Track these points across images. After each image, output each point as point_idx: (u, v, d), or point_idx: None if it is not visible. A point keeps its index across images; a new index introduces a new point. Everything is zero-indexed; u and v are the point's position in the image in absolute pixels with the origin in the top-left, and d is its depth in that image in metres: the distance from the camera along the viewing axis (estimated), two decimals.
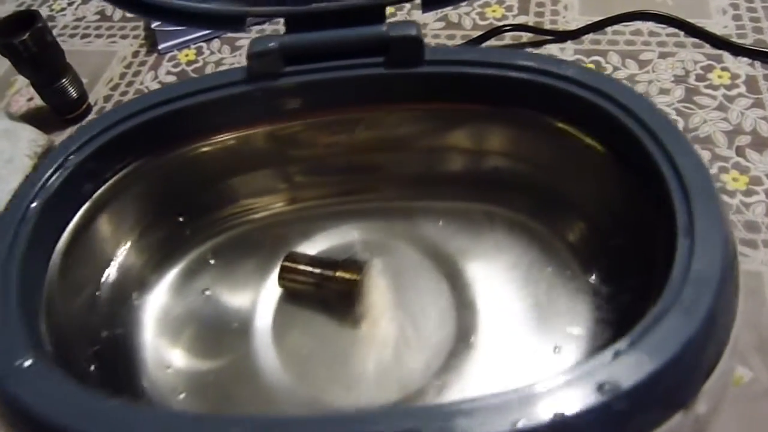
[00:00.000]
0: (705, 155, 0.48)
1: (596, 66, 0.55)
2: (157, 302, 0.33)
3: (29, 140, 0.54)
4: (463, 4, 0.54)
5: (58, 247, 0.28)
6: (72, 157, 0.29)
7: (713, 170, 0.47)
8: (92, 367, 0.28)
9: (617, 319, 0.29)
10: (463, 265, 0.34)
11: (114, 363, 0.29)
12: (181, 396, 0.31)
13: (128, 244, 0.32)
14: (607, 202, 0.30)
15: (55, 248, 0.28)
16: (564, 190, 0.32)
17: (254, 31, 0.59)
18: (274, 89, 0.31)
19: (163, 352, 0.32)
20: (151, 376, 0.30)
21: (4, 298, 0.24)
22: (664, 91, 0.52)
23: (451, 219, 0.35)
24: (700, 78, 0.53)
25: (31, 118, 0.57)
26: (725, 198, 0.45)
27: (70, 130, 0.57)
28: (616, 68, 0.54)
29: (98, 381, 0.28)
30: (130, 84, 0.61)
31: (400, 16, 0.56)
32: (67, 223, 0.29)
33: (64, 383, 0.21)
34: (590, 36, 0.57)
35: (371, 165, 0.35)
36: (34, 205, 0.28)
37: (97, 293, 0.30)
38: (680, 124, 0.50)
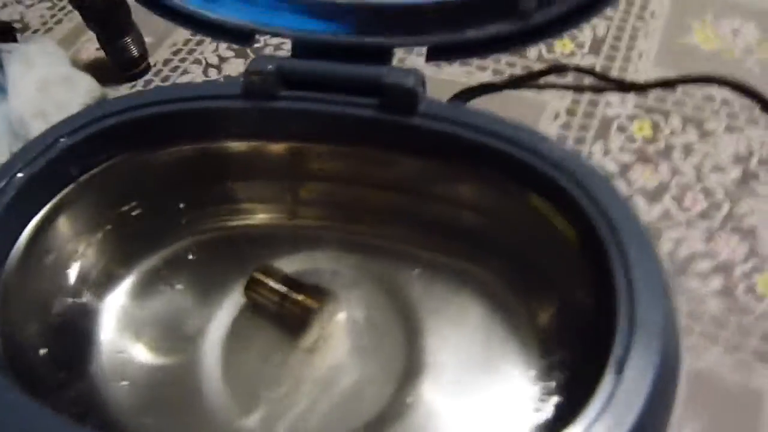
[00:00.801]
0: (741, 248, 0.44)
1: (654, 126, 0.51)
2: (123, 289, 0.34)
3: (86, 90, 0.57)
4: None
5: (32, 222, 0.30)
6: (63, 139, 0.30)
7: (747, 264, 0.43)
8: (42, 351, 0.29)
9: (556, 416, 0.28)
10: (424, 321, 0.33)
11: (66, 345, 0.30)
12: (124, 383, 0.32)
13: (109, 227, 0.33)
14: (573, 287, 0.28)
15: (28, 223, 0.30)
16: (538, 265, 0.30)
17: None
18: (266, 109, 0.30)
19: (119, 339, 0.33)
20: (102, 361, 0.32)
21: None
22: (718, 169, 0.49)
23: (428, 270, 0.34)
24: (763, 162, 0.49)
25: (93, 68, 0.60)
26: (752, 302, 0.42)
27: (125, 87, 0.59)
28: (673, 132, 0.50)
29: (47, 362, 0.29)
30: (191, 52, 0.62)
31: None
32: (48, 200, 0.30)
33: None
34: (657, 92, 0.54)
35: (361, 199, 0.35)
36: (20, 176, 0.29)
37: (65, 272, 0.32)
38: (725, 208, 0.46)
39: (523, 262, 0.32)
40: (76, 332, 0.32)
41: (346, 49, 0.30)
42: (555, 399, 0.28)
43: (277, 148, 0.33)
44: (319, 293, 0.34)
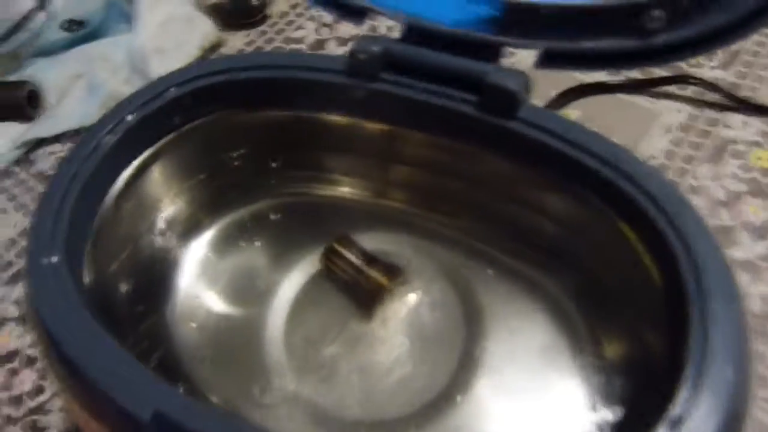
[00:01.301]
0: None
1: None
2: (206, 238, 0.36)
3: (203, 33, 0.59)
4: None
5: (134, 163, 0.32)
6: (173, 89, 0.31)
7: None
8: (125, 285, 0.31)
9: None
10: (488, 323, 0.33)
11: (146, 283, 0.33)
12: (192, 324, 0.34)
13: (202, 177, 0.35)
14: (645, 326, 0.27)
15: (131, 163, 0.31)
16: (613, 293, 0.29)
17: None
18: (367, 89, 0.31)
19: (195, 284, 0.35)
20: (177, 302, 0.34)
21: (63, 195, 0.28)
22: None
23: (501, 272, 0.34)
24: None
25: (214, 12, 0.61)
26: None
27: (241, 34, 0.61)
28: None
29: (129, 295, 0.31)
30: (307, 8, 0.63)
31: None
32: (151, 144, 0.32)
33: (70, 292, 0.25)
34: None
35: (447, 191, 0.34)
36: (130, 118, 0.31)
37: (155, 214, 0.34)
38: None
39: (599, 287, 0.30)
40: (157, 272, 0.34)
41: (456, 40, 0.29)
42: (601, 428, 0.27)
43: (373, 127, 0.33)
44: (394, 272, 0.34)
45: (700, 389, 0.21)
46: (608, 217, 0.27)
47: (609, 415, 0.28)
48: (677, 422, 0.20)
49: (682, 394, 0.21)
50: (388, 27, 0.55)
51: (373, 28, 0.57)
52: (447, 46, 0.29)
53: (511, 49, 0.29)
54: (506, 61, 0.30)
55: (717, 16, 0.24)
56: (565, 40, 0.26)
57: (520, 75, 0.28)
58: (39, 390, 0.41)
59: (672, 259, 0.24)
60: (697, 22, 0.24)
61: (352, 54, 0.30)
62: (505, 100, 0.28)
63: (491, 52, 0.28)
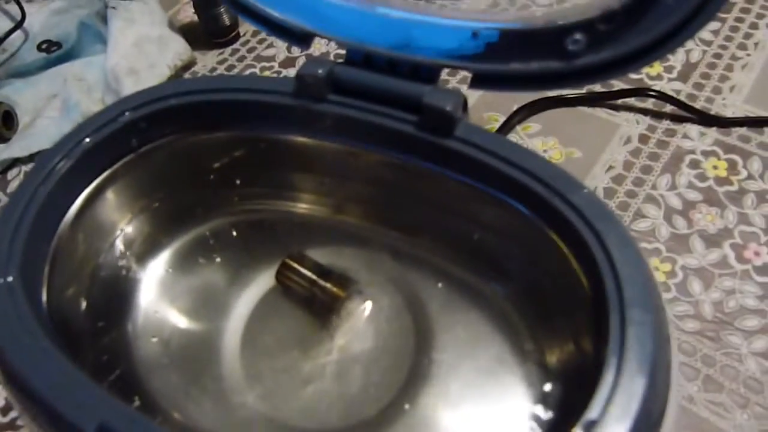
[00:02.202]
0: None
1: (730, 167, 0.49)
2: (165, 256, 0.37)
3: (175, 52, 0.60)
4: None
5: (92, 185, 0.33)
6: (128, 113, 0.32)
7: None
8: (84, 303, 0.32)
9: None
10: (437, 334, 0.34)
11: (106, 300, 0.34)
12: (153, 339, 0.35)
13: (161, 196, 0.36)
14: (579, 330, 0.29)
15: (89, 185, 0.33)
16: (552, 300, 0.31)
17: None
18: (313, 110, 0.32)
19: (155, 300, 0.36)
20: (137, 318, 0.35)
21: (20, 217, 0.29)
22: None
23: (450, 285, 0.35)
24: None
25: (187, 32, 0.63)
26: None
27: (213, 53, 0.63)
28: (750, 176, 0.48)
29: (88, 312, 0.32)
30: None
31: None
32: (109, 166, 0.33)
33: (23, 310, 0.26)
34: (742, 130, 0.51)
35: (398, 206, 0.36)
36: (86, 140, 0.32)
37: (114, 234, 0.35)
38: None
39: (539, 295, 0.32)
40: (117, 290, 0.35)
41: (396, 62, 0.30)
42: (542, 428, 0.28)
43: (325, 146, 0.34)
44: (347, 283, 0.35)
45: (614, 394, 0.22)
46: (541, 229, 0.28)
47: (548, 420, 0.29)
48: (591, 425, 0.21)
49: (598, 398, 0.22)
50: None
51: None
52: (388, 68, 0.30)
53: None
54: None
55: (634, 39, 0.26)
56: (495, 63, 0.27)
57: (456, 95, 0.29)
58: (10, 407, 0.42)
59: (596, 268, 0.25)
60: (616, 44, 0.26)
61: (299, 77, 0.31)
62: (442, 120, 0.29)
63: (429, 74, 0.30)
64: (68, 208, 0.32)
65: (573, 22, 0.25)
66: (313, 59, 0.31)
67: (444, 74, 0.30)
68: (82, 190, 0.32)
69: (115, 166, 0.33)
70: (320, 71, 0.31)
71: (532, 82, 0.27)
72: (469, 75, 0.28)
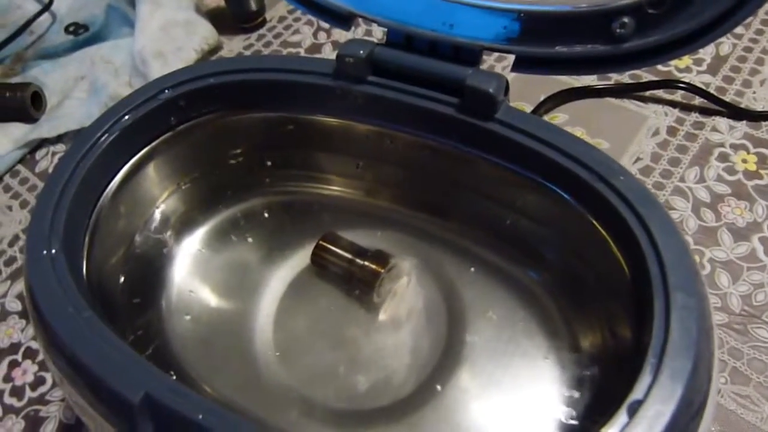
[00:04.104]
0: None
1: (760, 160, 0.49)
2: (200, 234, 0.37)
3: (202, 36, 0.60)
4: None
5: (131, 161, 0.33)
6: (168, 91, 0.33)
7: None
8: (121, 278, 0.32)
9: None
10: (470, 317, 0.34)
11: (142, 276, 0.34)
12: (186, 317, 0.35)
13: (196, 175, 0.36)
14: (616, 318, 0.29)
15: (128, 161, 0.33)
16: (589, 288, 0.31)
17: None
18: (353, 91, 0.32)
19: (189, 278, 0.36)
20: (172, 294, 0.35)
21: (62, 191, 0.29)
22: None
23: (483, 269, 0.35)
24: None
25: (214, 16, 0.63)
26: None
27: (240, 38, 0.63)
28: None
29: (125, 288, 0.33)
30: (305, 13, 0.64)
31: None
32: (147, 143, 0.33)
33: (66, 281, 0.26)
34: None
35: (432, 190, 0.36)
36: (126, 118, 0.32)
37: (151, 210, 0.35)
38: None
39: (574, 281, 0.32)
40: (153, 266, 0.35)
41: (438, 44, 0.30)
42: (574, 414, 0.28)
43: (361, 128, 0.34)
44: (385, 259, 0.35)
45: (659, 375, 0.22)
46: (581, 214, 0.28)
47: (581, 403, 0.29)
48: (636, 406, 0.21)
49: (643, 380, 0.22)
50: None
51: (368, 33, 0.59)
52: (429, 50, 0.30)
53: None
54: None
55: (682, 24, 0.25)
56: (539, 46, 0.27)
57: (498, 78, 0.29)
58: (40, 381, 0.43)
59: (640, 254, 0.25)
60: (663, 29, 0.26)
61: (339, 57, 0.31)
62: (484, 102, 0.29)
63: (471, 56, 0.30)
64: (108, 183, 0.32)
65: (622, 5, 0.25)
66: (354, 40, 0.31)
67: None
68: (122, 166, 0.33)
69: (154, 143, 0.33)
70: (361, 52, 0.31)
71: (576, 65, 0.27)
72: (510, 58, 0.28)
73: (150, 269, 0.35)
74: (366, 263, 0.35)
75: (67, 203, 0.29)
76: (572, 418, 0.29)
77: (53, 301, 0.26)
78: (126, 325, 0.32)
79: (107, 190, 0.32)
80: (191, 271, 0.36)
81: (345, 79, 0.32)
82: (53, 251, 0.27)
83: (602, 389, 0.28)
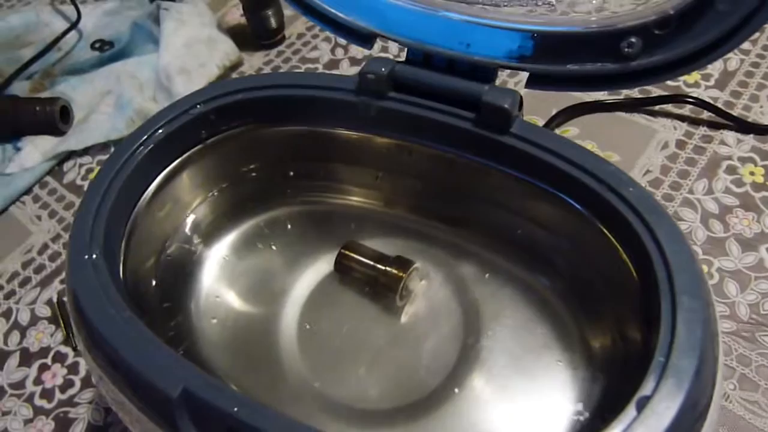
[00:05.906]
0: None
1: (766, 172, 0.50)
2: (227, 241, 0.39)
3: (224, 52, 0.63)
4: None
5: (164, 172, 0.35)
6: (199, 106, 0.34)
7: None
8: (154, 283, 0.34)
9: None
10: (485, 322, 0.35)
11: (173, 281, 0.36)
12: (214, 320, 0.37)
13: (224, 185, 0.38)
14: (626, 321, 0.30)
15: (161, 172, 0.35)
16: (599, 294, 0.32)
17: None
18: (374, 106, 0.34)
19: (216, 284, 0.38)
20: (200, 299, 0.37)
21: (101, 199, 0.31)
22: None
23: (498, 276, 0.37)
24: None
25: (235, 33, 0.65)
26: None
27: (260, 54, 0.65)
28: None
29: (157, 292, 0.34)
30: (323, 30, 0.66)
31: None
32: (179, 155, 0.35)
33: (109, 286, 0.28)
34: None
35: (450, 200, 0.37)
36: (159, 132, 0.34)
37: (182, 219, 0.37)
38: None
39: (585, 285, 0.33)
40: (183, 272, 0.37)
41: (455, 62, 0.32)
42: (585, 413, 0.30)
43: (381, 141, 0.36)
44: (406, 264, 0.37)
45: (666, 373, 0.23)
46: (591, 223, 0.30)
47: (592, 403, 0.30)
48: (644, 401, 0.23)
49: (651, 377, 0.23)
50: (400, 49, 0.58)
51: (385, 49, 0.61)
52: (447, 67, 0.32)
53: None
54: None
55: (687, 44, 0.27)
56: (552, 64, 0.29)
57: (513, 93, 0.31)
58: (69, 384, 0.44)
59: (647, 260, 0.27)
60: (669, 48, 0.27)
61: (362, 74, 0.33)
62: (499, 117, 0.31)
63: (487, 74, 0.31)
64: (143, 192, 0.34)
65: (630, 26, 0.27)
66: (375, 59, 0.33)
67: None
68: (157, 176, 0.34)
69: (186, 155, 0.35)
70: (383, 69, 0.32)
71: (587, 82, 0.29)
72: (524, 74, 0.30)
73: (180, 274, 0.37)
74: (388, 268, 0.37)
75: (106, 212, 0.31)
76: (583, 417, 0.30)
77: (95, 303, 0.28)
78: (158, 327, 0.34)
79: (142, 199, 0.34)
80: (218, 277, 0.38)
81: (367, 94, 0.34)
82: (94, 256, 0.29)
83: (612, 388, 0.30)
